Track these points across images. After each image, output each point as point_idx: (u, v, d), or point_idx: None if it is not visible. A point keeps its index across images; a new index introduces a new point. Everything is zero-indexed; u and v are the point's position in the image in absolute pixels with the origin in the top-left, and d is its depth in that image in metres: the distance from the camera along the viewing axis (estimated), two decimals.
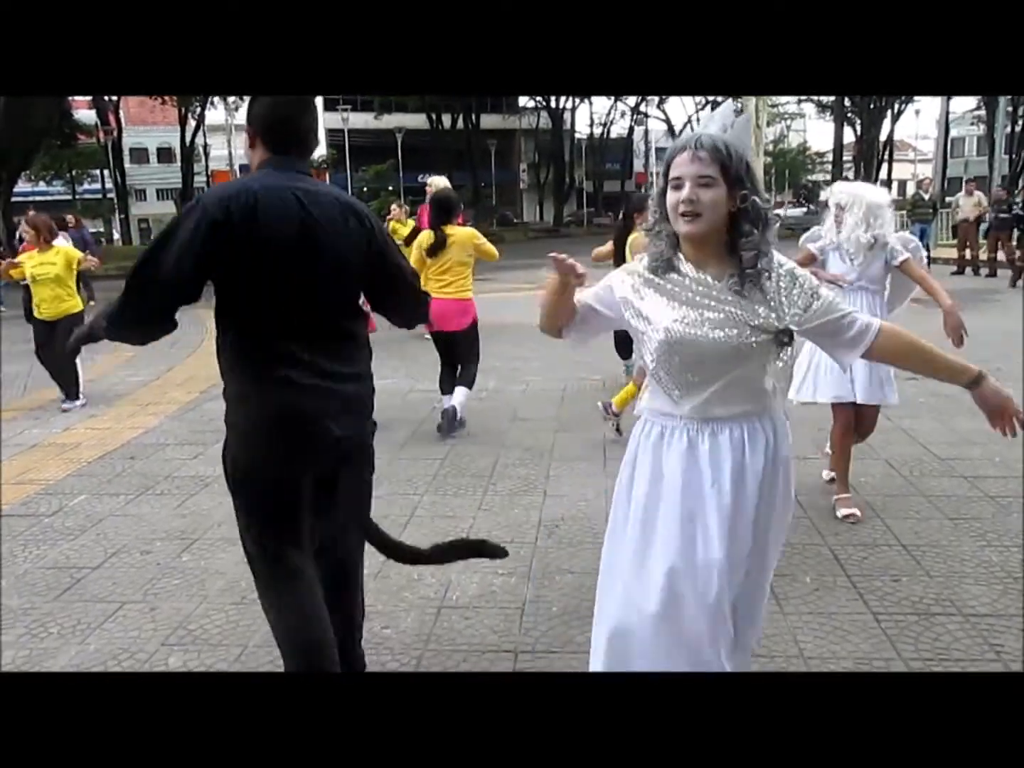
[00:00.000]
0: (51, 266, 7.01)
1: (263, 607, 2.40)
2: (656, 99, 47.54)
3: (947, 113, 24.66)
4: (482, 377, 6.80)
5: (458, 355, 5.93)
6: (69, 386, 7.05)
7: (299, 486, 2.31)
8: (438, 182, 8.43)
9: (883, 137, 43.07)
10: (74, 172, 42.32)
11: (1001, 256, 14.93)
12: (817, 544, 3.74)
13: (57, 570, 3.73)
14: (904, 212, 18.80)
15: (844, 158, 41.80)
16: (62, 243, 7.92)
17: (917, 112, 46.40)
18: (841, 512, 4.03)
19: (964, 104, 41.54)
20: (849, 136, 43.97)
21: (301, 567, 2.34)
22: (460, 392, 5.83)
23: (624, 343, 6.26)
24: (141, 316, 2.21)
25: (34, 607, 3.37)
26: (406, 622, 3.17)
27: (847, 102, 40.90)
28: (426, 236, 5.84)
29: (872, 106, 40.57)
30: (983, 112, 36.55)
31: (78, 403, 7.02)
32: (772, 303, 1.89)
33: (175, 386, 7.78)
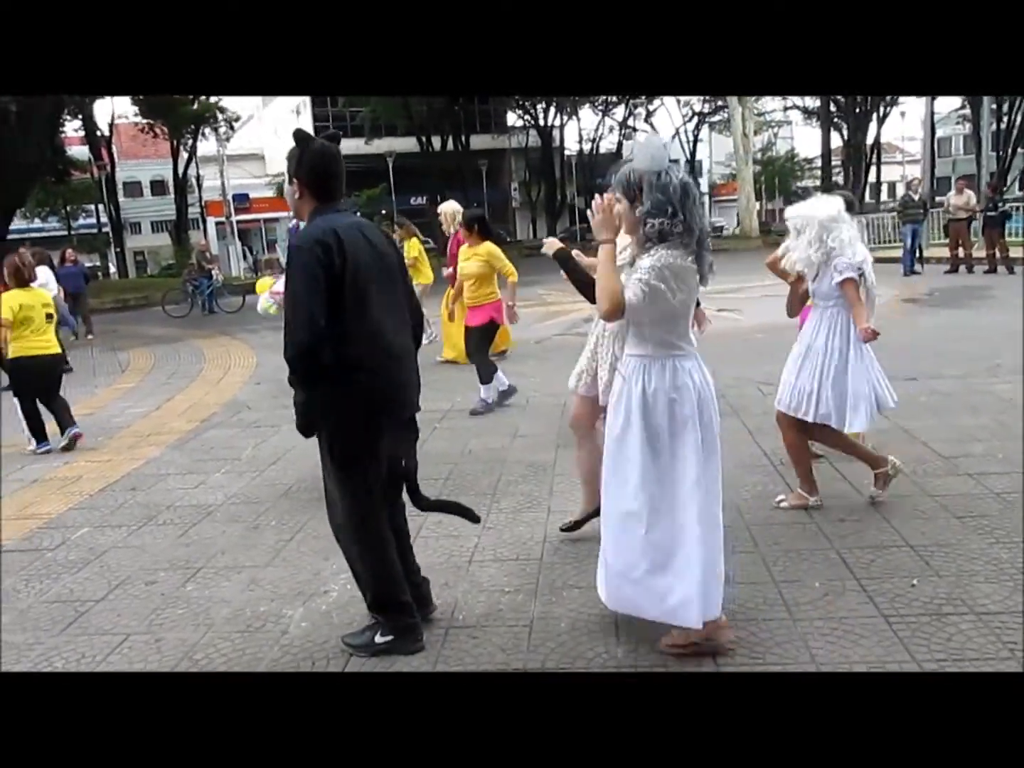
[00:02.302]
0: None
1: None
2: (644, 113, 47.78)
3: (932, 113, 24.68)
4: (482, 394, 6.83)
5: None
6: (37, 430, 6.62)
7: None
8: (449, 208, 8.49)
9: (870, 140, 43.24)
10: (69, 208, 42.41)
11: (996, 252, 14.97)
12: (824, 549, 3.72)
13: (61, 604, 3.71)
14: (895, 213, 18.85)
15: (833, 163, 41.99)
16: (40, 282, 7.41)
17: (903, 114, 46.40)
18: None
19: (949, 104, 41.80)
20: (836, 141, 44.21)
21: None
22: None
23: None
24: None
25: (39, 642, 3.34)
26: None
27: (832, 107, 41.13)
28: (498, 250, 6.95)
29: (857, 110, 40.76)
30: (968, 111, 36.73)
31: (45, 446, 6.58)
32: None
33: (176, 416, 7.76)
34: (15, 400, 6.66)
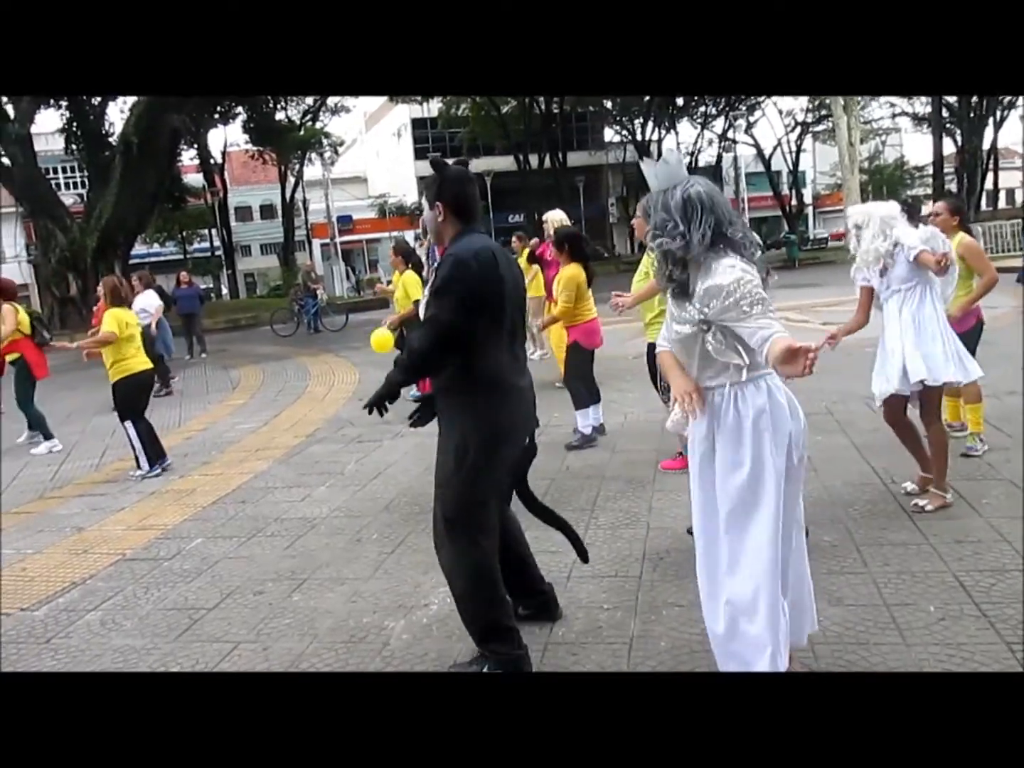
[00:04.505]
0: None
1: None
2: (744, 124, 46.98)
3: None
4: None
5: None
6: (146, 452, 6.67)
7: None
8: (555, 216, 8.31)
9: (986, 145, 41.29)
10: (185, 233, 44.61)
11: None
12: (940, 571, 3.55)
13: (176, 611, 3.87)
14: (1020, 220, 17.88)
15: (945, 170, 40.25)
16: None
17: (1022, 117, 44.09)
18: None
19: None
20: (949, 147, 42.37)
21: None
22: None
23: None
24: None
25: (156, 647, 3.51)
26: None
27: (945, 112, 39.50)
28: (580, 271, 6.37)
29: (972, 115, 39.05)
30: None
31: (151, 471, 6.61)
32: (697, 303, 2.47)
33: (282, 431, 8.03)
34: (126, 425, 6.64)
